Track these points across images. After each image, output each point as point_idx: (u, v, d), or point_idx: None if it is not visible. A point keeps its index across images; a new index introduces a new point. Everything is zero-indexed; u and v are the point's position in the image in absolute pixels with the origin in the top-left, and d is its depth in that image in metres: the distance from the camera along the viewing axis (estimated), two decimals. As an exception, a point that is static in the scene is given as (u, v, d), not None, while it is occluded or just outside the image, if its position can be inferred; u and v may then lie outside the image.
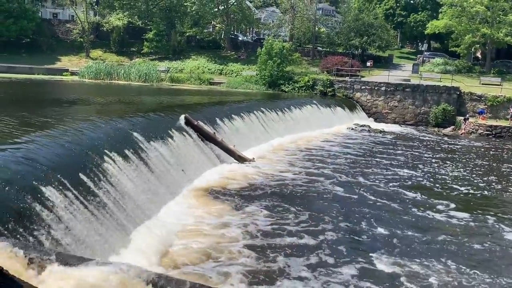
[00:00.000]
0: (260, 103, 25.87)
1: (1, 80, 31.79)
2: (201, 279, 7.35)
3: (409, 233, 10.46)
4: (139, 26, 53.40)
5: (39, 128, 10.64)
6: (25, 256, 4.86)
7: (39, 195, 6.97)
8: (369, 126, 29.98)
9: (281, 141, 21.75)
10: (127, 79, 41.05)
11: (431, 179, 16.35)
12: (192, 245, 8.83)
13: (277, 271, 8.12)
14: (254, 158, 16.88)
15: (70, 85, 35.02)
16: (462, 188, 15.26)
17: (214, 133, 16.27)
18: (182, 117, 15.32)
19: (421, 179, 16.32)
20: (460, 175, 17.52)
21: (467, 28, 43.01)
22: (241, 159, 16.28)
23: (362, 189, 14.14)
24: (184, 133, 14.73)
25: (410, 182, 15.60)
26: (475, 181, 16.55)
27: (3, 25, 45.33)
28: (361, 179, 15.59)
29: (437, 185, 15.49)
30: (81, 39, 51.11)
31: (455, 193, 14.62)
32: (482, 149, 24.69)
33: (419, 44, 72.15)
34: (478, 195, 14.60)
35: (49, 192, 7.20)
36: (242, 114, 20.78)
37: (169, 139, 13.45)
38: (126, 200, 9.27)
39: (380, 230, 10.52)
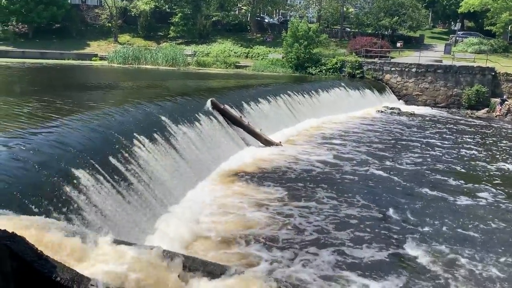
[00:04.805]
0: (286, 86, 25.59)
1: (34, 66, 32.66)
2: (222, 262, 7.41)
3: (449, 221, 10.23)
4: (166, 10, 53.43)
5: (70, 112, 10.86)
6: (61, 234, 4.97)
7: (71, 178, 7.13)
8: (399, 108, 29.25)
9: (309, 124, 21.51)
10: (154, 63, 41.30)
11: (468, 164, 15.86)
12: (220, 227, 8.90)
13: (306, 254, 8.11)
14: (280, 142, 16.78)
15: (99, 69, 35.62)
16: (498, 173, 14.78)
17: (241, 116, 16.22)
18: (209, 101, 15.35)
19: (457, 164, 15.85)
20: (501, 161, 16.94)
21: (503, 5, 41.03)
22: (267, 143, 16.22)
23: (392, 173, 13.87)
24: (211, 116, 14.77)
25: (445, 167, 15.16)
26: None
27: (35, 11, 46.31)
28: (391, 162, 15.29)
29: (478, 171, 15.01)
30: (109, 24, 51.65)
31: (496, 178, 14.16)
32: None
33: (452, 23, 69.30)
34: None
35: (81, 174, 7.35)
36: (268, 97, 20.62)
37: (196, 123, 13.51)
38: (156, 183, 9.40)
39: (410, 216, 10.33)
